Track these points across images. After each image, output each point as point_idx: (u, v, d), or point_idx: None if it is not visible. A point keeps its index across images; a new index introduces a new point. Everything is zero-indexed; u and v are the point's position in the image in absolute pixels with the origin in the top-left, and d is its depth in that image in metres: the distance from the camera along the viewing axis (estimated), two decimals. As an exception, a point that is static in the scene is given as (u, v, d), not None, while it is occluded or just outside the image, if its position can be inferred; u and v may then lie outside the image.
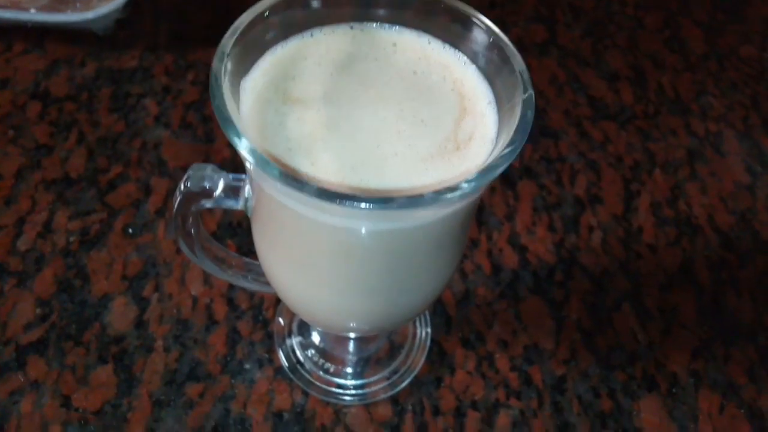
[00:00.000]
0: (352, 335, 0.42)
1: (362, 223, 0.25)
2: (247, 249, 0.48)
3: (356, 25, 0.30)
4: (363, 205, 0.21)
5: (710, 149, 0.59)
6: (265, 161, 0.22)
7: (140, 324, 0.43)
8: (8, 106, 0.54)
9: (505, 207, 0.52)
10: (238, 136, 0.23)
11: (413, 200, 0.22)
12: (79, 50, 0.59)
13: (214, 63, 0.24)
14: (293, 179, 0.22)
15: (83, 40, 0.59)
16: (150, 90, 0.56)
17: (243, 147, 0.22)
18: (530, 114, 0.24)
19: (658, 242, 0.52)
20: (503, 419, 0.42)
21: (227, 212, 0.49)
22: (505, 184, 0.54)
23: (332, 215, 0.24)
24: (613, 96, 0.62)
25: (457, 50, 0.29)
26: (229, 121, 0.23)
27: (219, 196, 0.30)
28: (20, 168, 0.51)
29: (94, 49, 0.59)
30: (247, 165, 0.26)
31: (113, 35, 0.60)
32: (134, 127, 0.54)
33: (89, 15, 0.55)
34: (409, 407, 0.42)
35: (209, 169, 0.30)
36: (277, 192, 0.25)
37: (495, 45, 0.27)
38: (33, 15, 0.55)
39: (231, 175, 0.30)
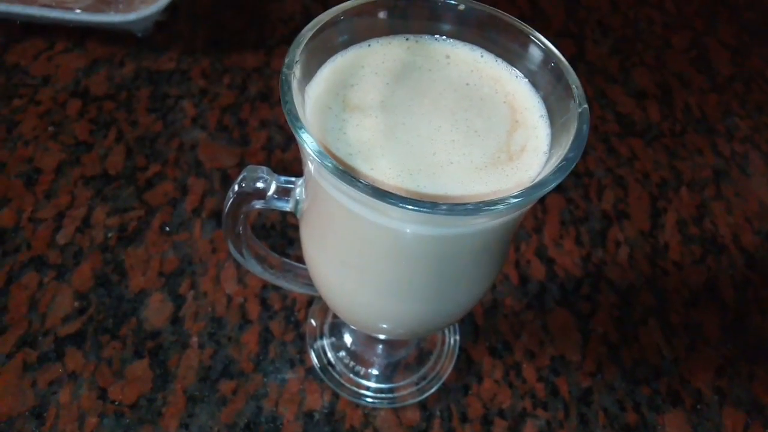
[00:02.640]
0: (383, 337, 0.43)
1: (413, 225, 0.26)
2: (281, 251, 0.48)
3: (411, 36, 0.31)
4: (411, 207, 0.22)
5: (736, 169, 0.60)
6: (330, 159, 0.23)
7: (176, 320, 0.44)
8: (49, 102, 0.56)
9: (534, 220, 0.53)
10: (308, 135, 0.23)
11: (460, 208, 0.23)
12: (118, 50, 0.60)
13: (283, 71, 0.25)
14: (353, 178, 0.23)
15: (122, 40, 0.61)
16: (187, 92, 0.58)
17: (310, 145, 0.23)
18: (586, 128, 0.25)
19: (684, 259, 0.52)
20: (530, 429, 0.43)
21: (261, 215, 0.50)
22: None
23: (385, 216, 0.25)
24: (640, 113, 0.63)
25: (509, 64, 0.30)
26: (299, 122, 0.24)
27: (271, 197, 0.31)
28: (60, 164, 0.52)
29: (133, 50, 0.60)
30: (309, 164, 0.27)
31: (152, 37, 0.61)
32: (172, 128, 0.55)
33: (131, 16, 0.56)
34: (437, 413, 0.43)
35: (263, 170, 0.31)
36: (335, 191, 0.26)
37: (549, 60, 0.28)
38: (77, 15, 0.56)
39: (282, 178, 0.31)
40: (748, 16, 0.76)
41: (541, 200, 0.54)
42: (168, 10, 0.58)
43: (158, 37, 0.62)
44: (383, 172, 0.26)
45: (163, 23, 0.61)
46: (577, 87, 0.26)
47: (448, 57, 0.30)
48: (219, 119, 0.56)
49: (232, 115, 0.57)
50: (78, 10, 0.57)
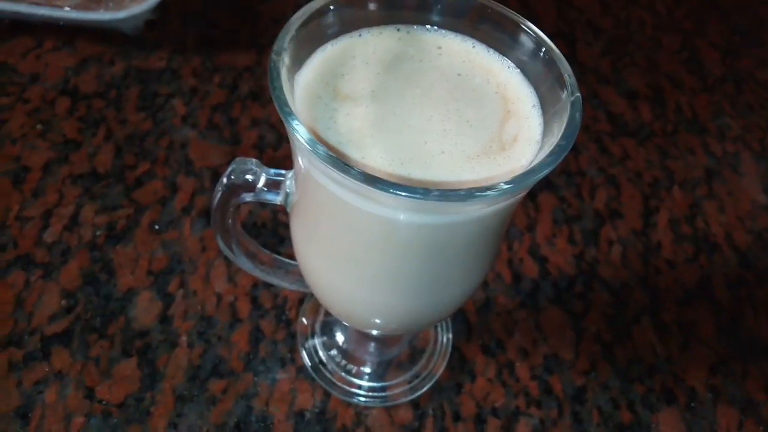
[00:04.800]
0: (375, 333, 0.42)
1: (405, 213, 0.25)
2: (272, 248, 0.48)
3: (403, 27, 0.30)
4: (404, 193, 0.22)
5: (728, 169, 0.60)
6: (321, 146, 0.23)
7: (164, 319, 0.44)
8: (38, 101, 0.55)
9: (526, 218, 0.53)
10: (298, 122, 0.23)
11: (452, 194, 0.22)
12: (108, 49, 0.60)
13: (272, 57, 0.25)
14: (346, 164, 0.22)
15: (112, 39, 0.60)
16: (178, 90, 0.57)
17: (301, 132, 0.23)
18: (579, 116, 0.25)
19: (677, 258, 0.52)
20: (523, 428, 0.42)
21: (252, 213, 0.50)
22: (526, 195, 0.54)
23: (377, 204, 0.24)
24: (632, 113, 0.63)
25: (501, 55, 0.30)
26: (288, 108, 0.23)
27: (260, 189, 0.30)
28: (48, 162, 0.51)
29: (123, 49, 0.60)
30: (299, 154, 0.26)
31: (142, 36, 0.61)
32: (162, 126, 0.54)
33: (121, 14, 0.56)
34: (430, 412, 0.42)
35: (252, 163, 0.30)
36: (326, 180, 0.25)
37: (540, 49, 0.28)
38: (67, 13, 0.56)
39: (272, 170, 0.31)
40: (737, 17, 0.76)
41: (534, 199, 0.54)
42: (158, 8, 0.58)
43: (148, 36, 0.61)
44: (375, 160, 0.25)
45: (154, 22, 0.61)
46: (569, 75, 0.26)
47: (439, 48, 0.30)
48: (209, 118, 0.56)
49: (222, 114, 0.56)
50: (67, 8, 0.56)
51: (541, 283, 0.49)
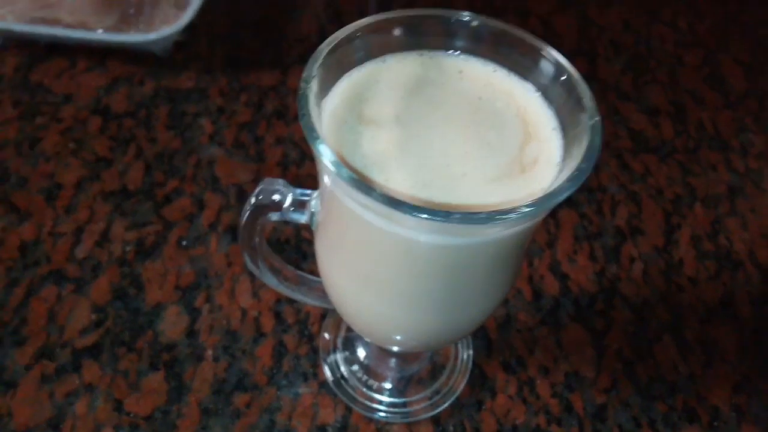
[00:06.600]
0: (396, 349, 0.43)
1: (427, 235, 0.26)
2: (295, 265, 0.49)
3: (425, 52, 0.31)
4: (426, 215, 0.23)
5: (751, 185, 0.59)
6: (346, 169, 0.24)
7: (191, 333, 0.45)
8: (70, 120, 0.57)
9: (547, 235, 0.53)
10: (324, 146, 0.24)
11: (473, 217, 0.23)
12: (138, 69, 0.62)
13: (301, 84, 0.26)
14: (369, 187, 0.23)
15: (143, 60, 0.62)
16: (205, 110, 0.59)
17: (327, 156, 0.24)
18: (598, 140, 0.25)
19: (699, 275, 0.52)
20: (544, 444, 0.42)
21: (276, 229, 0.51)
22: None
23: (400, 225, 0.25)
24: (653, 130, 0.63)
25: (521, 78, 0.30)
26: (315, 133, 0.24)
27: (287, 209, 0.31)
28: (80, 179, 0.53)
29: (152, 69, 0.62)
30: (325, 176, 0.27)
31: (171, 57, 0.63)
32: (190, 145, 0.56)
33: (151, 36, 0.58)
34: (450, 428, 0.42)
35: (280, 183, 0.31)
36: (350, 201, 0.26)
37: (561, 74, 0.28)
38: (99, 35, 0.58)
39: (298, 190, 0.32)
40: (760, 32, 0.76)
41: (554, 215, 0.55)
42: (187, 30, 0.60)
43: (177, 57, 0.63)
44: (398, 183, 0.26)
45: (182, 43, 0.63)
46: (589, 100, 0.27)
47: (461, 72, 0.31)
48: (236, 136, 0.57)
49: (248, 132, 0.58)
50: (100, 30, 0.58)
51: (561, 300, 0.49)
